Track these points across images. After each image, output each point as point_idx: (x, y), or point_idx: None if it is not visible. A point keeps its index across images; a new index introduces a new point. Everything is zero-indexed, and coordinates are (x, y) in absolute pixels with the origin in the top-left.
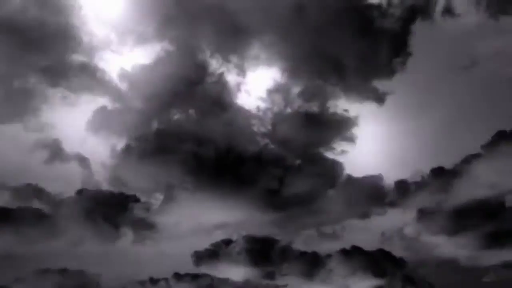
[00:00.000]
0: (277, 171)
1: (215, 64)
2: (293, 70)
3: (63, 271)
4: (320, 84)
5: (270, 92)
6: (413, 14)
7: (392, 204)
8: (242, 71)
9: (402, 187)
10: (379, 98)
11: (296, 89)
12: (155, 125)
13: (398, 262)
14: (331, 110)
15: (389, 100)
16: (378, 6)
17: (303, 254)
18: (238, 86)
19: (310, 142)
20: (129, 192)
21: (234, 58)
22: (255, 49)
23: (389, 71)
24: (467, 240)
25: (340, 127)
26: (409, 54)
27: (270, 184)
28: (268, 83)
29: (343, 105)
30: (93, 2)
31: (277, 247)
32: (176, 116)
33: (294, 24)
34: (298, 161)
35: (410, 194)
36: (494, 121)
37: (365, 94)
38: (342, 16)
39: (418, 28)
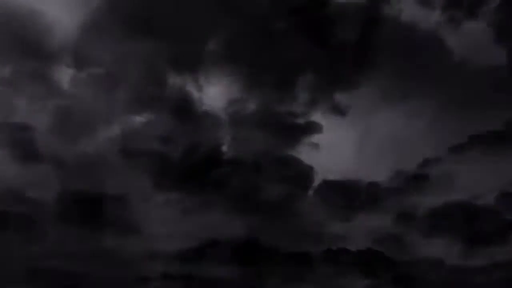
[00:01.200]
0: (247, 174)
1: (172, 78)
2: (250, 83)
3: (54, 271)
4: (278, 97)
5: (229, 104)
6: (368, 25)
7: (370, 207)
8: (198, 85)
9: (378, 190)
10: (341, 111)
11: (253, 102)
12: (118, 128)
13: (389, 262)
14: (292, 116)
15: (352, 110)
16: (333, 17)
17: (289, 255)
18: (199, 99)
19: (276, 146)
20: (109, 192)
21: (187, 72)
22: (207, 63)
23: (352, 84)
24: (453, 241)
25: (303, 133)
26: (371, 65)
27: (243, 187)
28: (225, 96)
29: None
30: (48, 11)
31: (263, 249)
32: (139, 121)
33: (247, 38)
34: (268, 164)
35: (388, 197)
36: (462, 124)
37: (326, 107)
38: (300, 28)
39: (374, 39)
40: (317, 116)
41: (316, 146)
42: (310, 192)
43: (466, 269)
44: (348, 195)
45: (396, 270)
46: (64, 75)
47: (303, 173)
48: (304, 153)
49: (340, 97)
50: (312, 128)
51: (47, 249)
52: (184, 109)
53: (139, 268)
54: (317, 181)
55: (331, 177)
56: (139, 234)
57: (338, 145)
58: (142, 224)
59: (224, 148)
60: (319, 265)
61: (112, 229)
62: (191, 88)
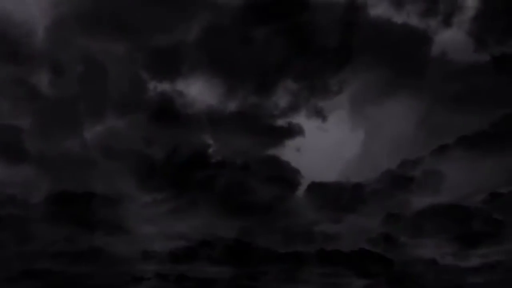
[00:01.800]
0: (234, 175)
1: (153, 80)
2: (231, 87)
3: (48, 271)
4: (259, 100)
5: (210, 107)
6: (348, 29)
7: (359, 208)
8: (179, 88)
9: (366, 191)
10: (323, 115)
11: (234, 106)
12: (101, 129)
13: (382, 263)
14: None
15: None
16: (314, 22)
17: (281, 256)
18: (180, 102)
19: (258, 149)
20: (96, 192)
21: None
22: (188, 66)
23: (334, 87)
24: (444, 241)
25: (285, 135)
26: (352, 68)
27: (230, 188)
28: (206, 99)
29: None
30: (27, 18)
31: (254, 249)
32: (121, 123)
33: (228, 42)
34: (254, 166)
35: (376, 198)
36: (450, 125)
37: (308, 110)
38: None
39: (355, 42)
40: (299, 119)
41: (298, 148)
42: (298, 194)
43: (458, 269)
44: (337, 196)
45: (389, 270)
46: (44, 79)
47: (288, 175)
48: (287, 155)
49: (322, 101)
50: (294, 131)
51: (39, 250)
52: (166, 112)
53: (131, 268)
54: (304, 183)
55: (316, 178)
56: (128, 234)
57: (321, 147)
58: (131, 224)
59: (210, 151)
60: (312, 265)
61: (101, 229)
62: (172, 91)
